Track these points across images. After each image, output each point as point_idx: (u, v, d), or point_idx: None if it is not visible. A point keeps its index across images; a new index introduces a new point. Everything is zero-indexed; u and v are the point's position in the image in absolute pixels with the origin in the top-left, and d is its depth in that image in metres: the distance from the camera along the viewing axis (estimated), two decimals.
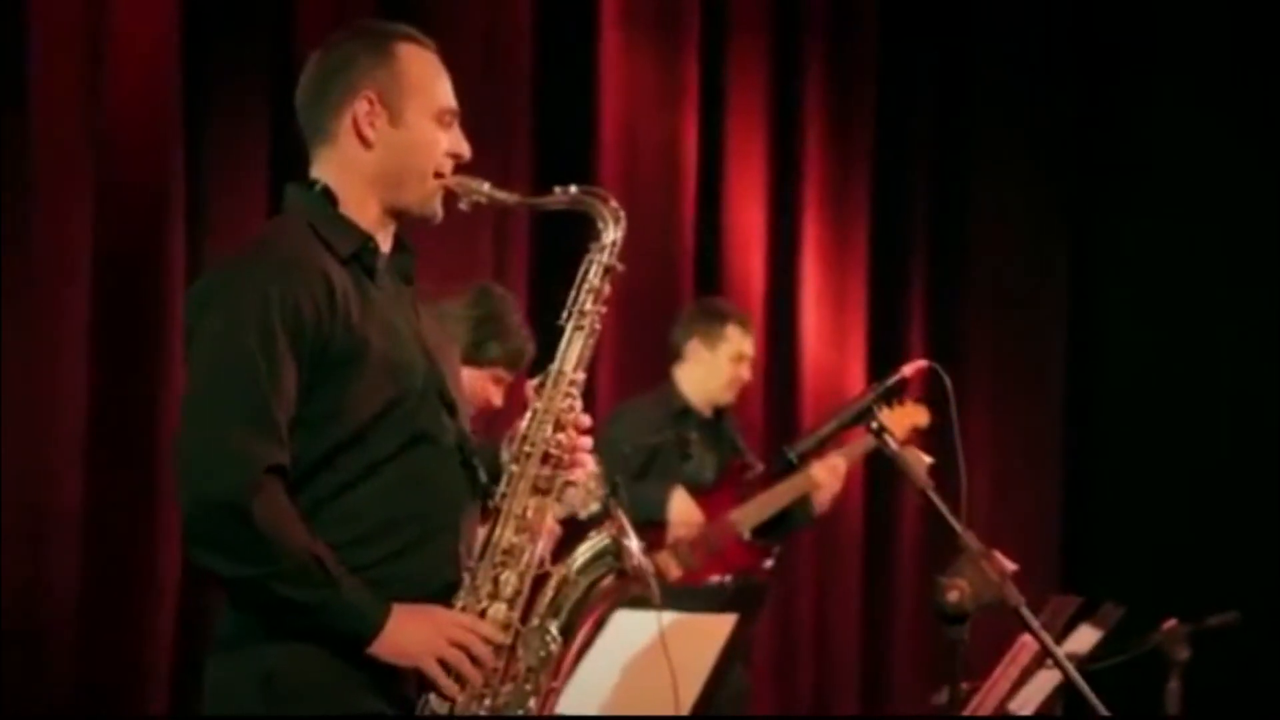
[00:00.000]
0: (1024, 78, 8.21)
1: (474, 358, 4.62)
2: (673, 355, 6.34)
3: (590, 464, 3.15)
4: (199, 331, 2.94)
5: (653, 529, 6.00)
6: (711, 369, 6.22)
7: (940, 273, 8.17)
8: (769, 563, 6.23)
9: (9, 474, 5.37)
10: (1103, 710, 3.07)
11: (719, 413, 6.30)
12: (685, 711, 4.57)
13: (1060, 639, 5.34)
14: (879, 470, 7.33)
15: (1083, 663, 5.27)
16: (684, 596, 5.65)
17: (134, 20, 5.67)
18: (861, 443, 6.12)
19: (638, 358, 7.06)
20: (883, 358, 7.86)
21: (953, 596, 3.03)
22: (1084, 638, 5.35)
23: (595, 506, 4.96)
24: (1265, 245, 7.90)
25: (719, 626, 4.78)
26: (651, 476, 6.11)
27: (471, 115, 6.44)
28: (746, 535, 6.14)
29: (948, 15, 8.17)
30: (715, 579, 6.01)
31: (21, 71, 5.44)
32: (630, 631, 4.81)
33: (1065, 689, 5.22)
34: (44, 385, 5.50)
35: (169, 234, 5.74)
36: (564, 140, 6.89)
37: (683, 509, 6.02)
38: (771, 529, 6.19)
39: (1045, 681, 5.28)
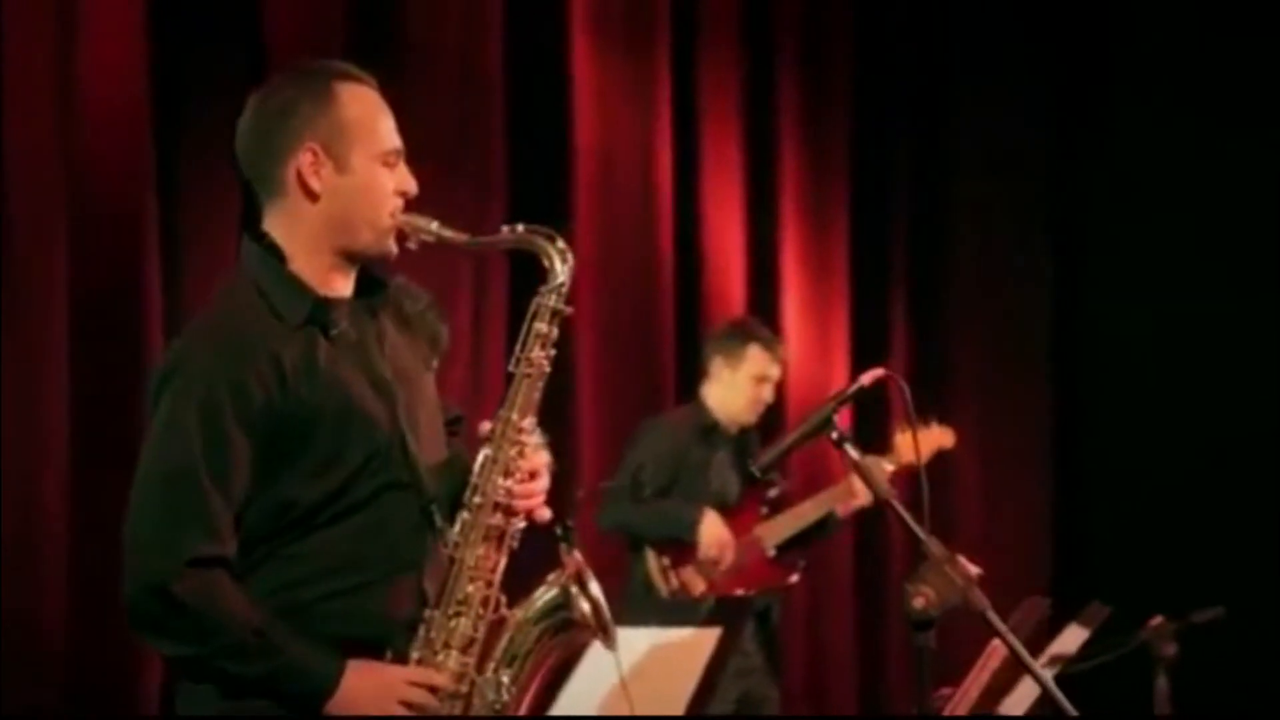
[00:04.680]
0: (1004, 78, 8.21)
1: None
2: (700, 373, 6.35)
3: (544, 512, 3.14)
4: (152, 418, 2.97)
5: (681, 549, 6.03)
6: (733, 389, 6.24)
7: (923, 279, 8.18)
8: (794, 578, 6.24)
9: None
10: (1071, 711, 3.06)
11: (744, 431, 6.29)
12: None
13: (1047, 640, 5.36)
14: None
15: (1070, 662, 5.28)
16: (670, 612, 5.68)
17: (104, 51, 5.70)
18: (889, 459, 6.12)
19: (617, 369, 7.08)
20: (867, 366, 7.83)
21: (918, 603, 3.01)
22: (1071, 637, 5.35)
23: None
24: (1253, 248, 7.90)
25: (704, 641, 4.79)
26: (676, 492, 6.12)
27: (446, 129, 6.55)
28: (772, 553, 6.15)
29: (924, 17, 8.17)
30: (739, 593, 6.03)
31: None
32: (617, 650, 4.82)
33: (1062, 689, 5.24)
34: (26, 416, 5.53)
35: (145, 263, 5.77)
36: (539, 154, 6.91)
37: (713, 532, 6.03)
38: (796, 542, 6.20)
39: (1030, 686, 5.29)
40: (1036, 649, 5.29)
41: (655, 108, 7.29)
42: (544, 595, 3.13)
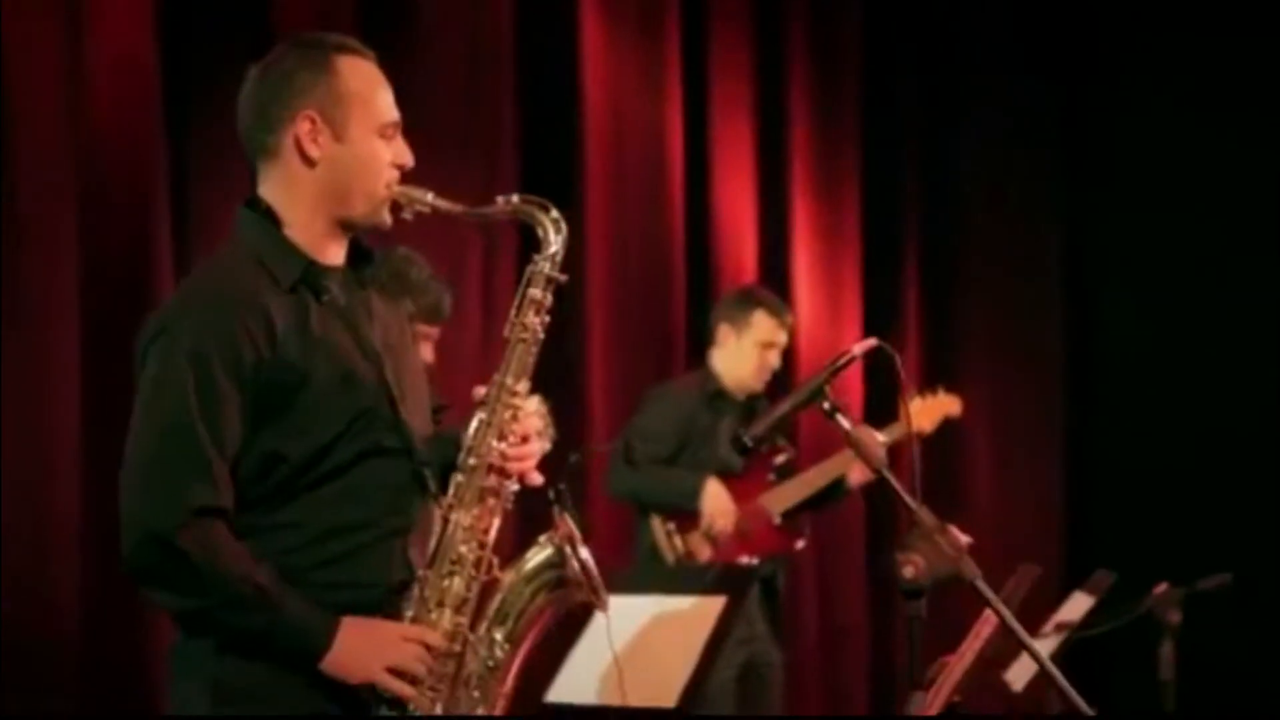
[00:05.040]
0: (1012, 52, 8.20)
1: None
2: (707, 339, 6.38)
3: (535, 476, 3.19)
4: (142, 374, 3.01)
5: (686, 515, 6.06)
6: (738, 355, 6.23)
7: (934, 251, 8.17)
8: (800, 544, 6.26)
9: (7, 478, 5.42)
10: (1061, 680, 3.09)
11: (752, 397, 6.31)
12: (678, 689, 4.63)
13: (1051, 607, 5.39)
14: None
15: (1076, 629, 5.31)
16: (676, 579, 5.72)
17: (113, 38, 5.69)
18: (898, 427, 6.16)
19: (630, 344, 7.09)
20: (878, 335, 7.84)
21: (908, 571, 3.04)
22: (1077, 604, 5.38)
23: (547, 445, 5.03)
24: (1260, 223, 7.89)
25: (709, 609, 4.82)
26: (683, 460, 6.15)
27: (456, 106, 6.56)
28: (778, 520, 6.18)
29: None
30: (744, 560, 6.06)
31: (3, 114, 5.47)
32: (621, 616, 4.86)
33: (1062, 658, 5.29)
34: (38, 404, 5.53)
35: (156, 252, 5.77)
36: (549, 132, 6.91)
37: (716, 500, 6.05)
38: (804, 508, 6.23)
39: (1040, 649, 5.32)
40: (1030, 617, 5.35)
41: (666, 81, 7.28)
42: (536, 555, 3.19)
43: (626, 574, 5.99)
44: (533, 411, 4.99)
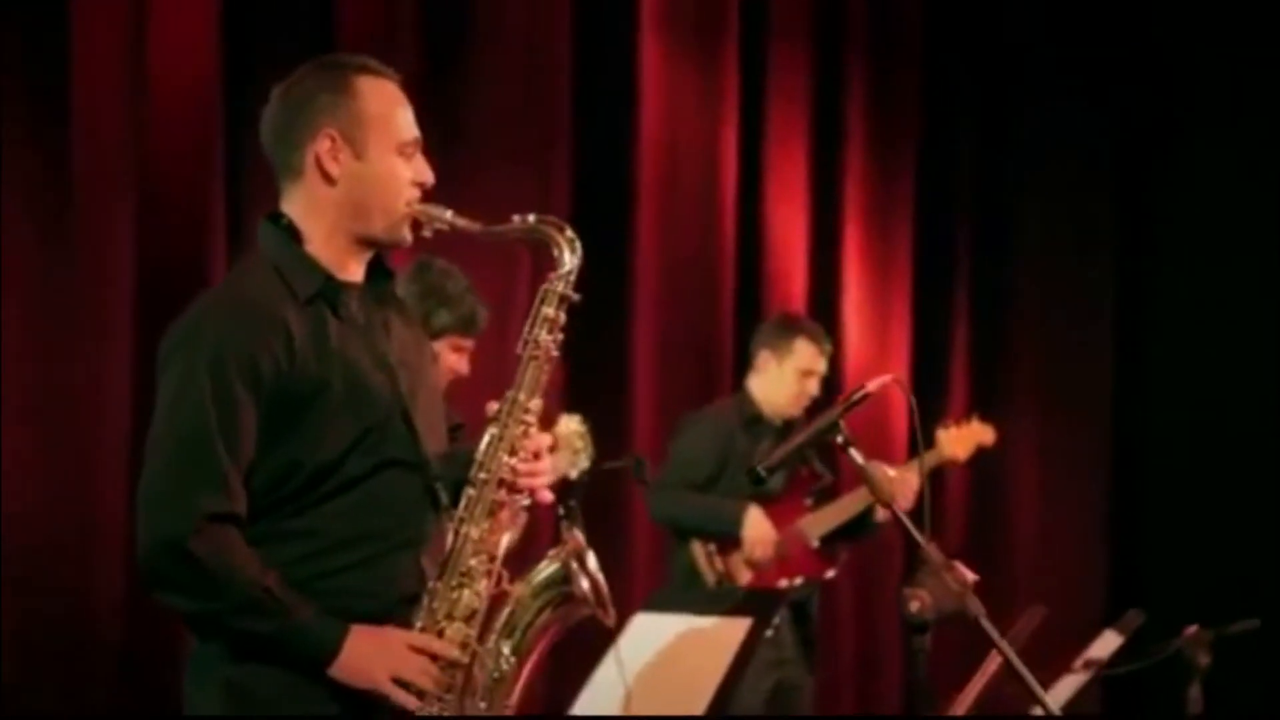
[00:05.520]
0: (1069, 79, 8.18)
1: (426, 331, 4.60)
2: (748, 364, 6.42)
3: (545, 493, 3.23)
4: (162, 380, 3.08)
5: (728, 541, 6.10)
6: (778, 382, 6.26)
7: (985, 284, 8.16)
8: (831, 573, 6.29)
9: (55, 480, 5.49)
10: (1056, 714, 3.11)
11: (789, 423, 6.34)
12: (702, 707, 4.66)
13: (1075, 647, 5.40)
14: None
15: (1104, 667, 5.32)
16: (701, 600, 5.74)
17: (175, 30, 5.76)
18: (931, 455, 6.20)
19: (678, 364, 7.11)
20: (927, 365, 7.88)
21: (914, 606, 3.07)
22: (1106, 643, 5.38)
23: (585, 463, 5.06)
24: None
25: (734, 630, 4.85)
26: (720, 485, 6.18)
27: (512, 120, 6.60)
28: (815, 544, 6.20)
29: (991, 19, 8.15)
30: (783, 583, 6.08)
31: (64, 81, 5.55)
32: (647, 634, 4.90)
33: (1089, 693, 5.29)
34: (90, 391, 5.61)
35: (210, 242, 5.84)
36: (604, 147, 6.96)
37: (758, 527, 6.08)
38: (839, 536, 6.25)
39: (1067, 686, 5.33)
40: (1065, 653, 5.35)
41: (722, 102, 7.32)
42: (544, 570, 3.24)
43: (662, 595, 6.04)
44: (567, 432, 5.05)
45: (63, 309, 5.56)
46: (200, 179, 5.84)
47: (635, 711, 4.64)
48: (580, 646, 3.87)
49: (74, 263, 5.58)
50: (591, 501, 5.95)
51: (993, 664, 3.54)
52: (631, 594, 6.48)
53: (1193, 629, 5.24)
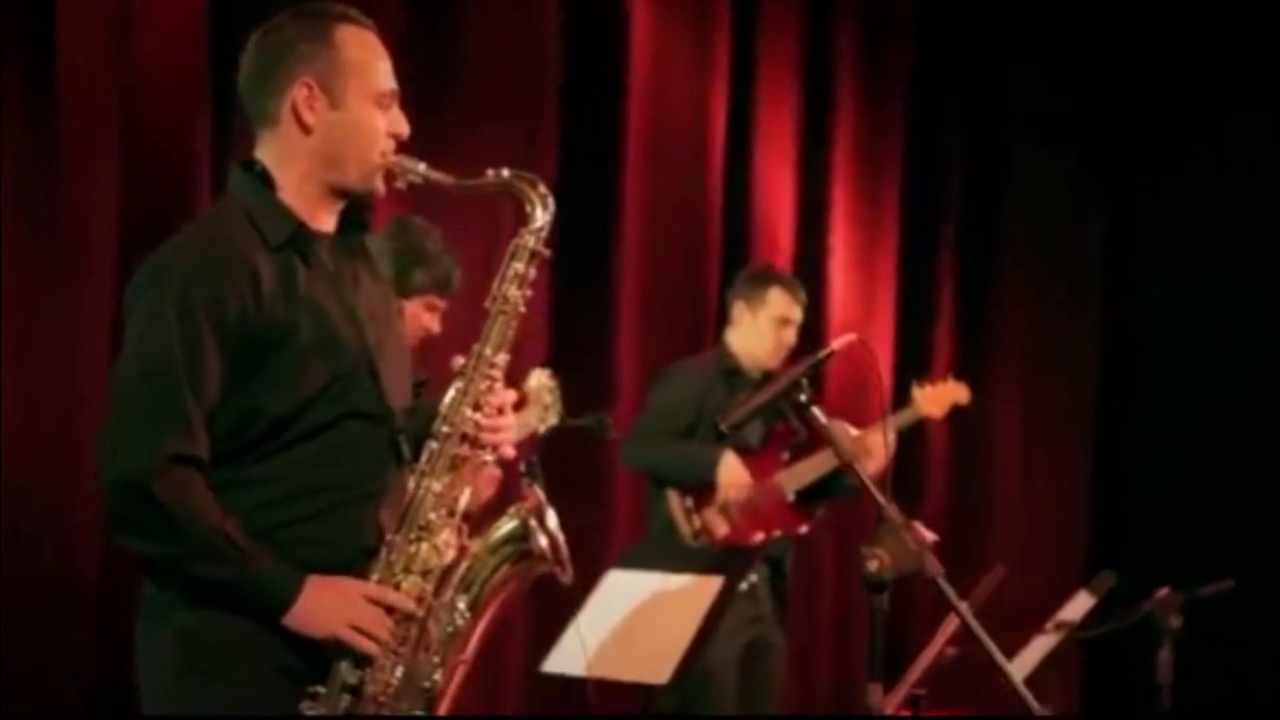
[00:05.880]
0: (1062, 36, 8.17)
1: (401, 289, 4.55)
2: (724, 317, 6.43)
3: (508, 448, 3.24)
4: (130, 319, 3.08)
5: (703, 488, 6.12)
6: (754, 332, 6.27)
7: (972, 243, 8.16)
8: (804, 528, 6.32)
9: (40, 446, 5.50)
10: (1017, 680, 3.14)
11: (768, 375, 6.34)
12: (672, 665, 4.70)
13: (1054, 608, 5.43)
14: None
15: (1076, 629, 5.35)
16: (687, 557, 5.79)
17: None
18: (908, 413, 6.22)
19: (665, 323, 7.12)
20: (913, 326, 7.90)
21: (872, 566, 3.10)
22: (1079, 604, 5.42)
23: (554, 419, 5.08)
24: None
25: (706, 589, 4.89)
26: (699, 436, 6.20)
27: (501, 83, 6.60)
28: (791, 498, 6.23)
29: None
30: (759, 536, 6.11)
31: (50, 39, 5.52)
32: (620, 591, 4.95)
33: (1057, 655, 5.33)
34: (71, 351, 5.59)
35: (196, 200, 5.80)
36: (593, 101, 6.93)
37: (732, 472, 6.10)
38: (815, 494, 6.27)
39: (1039, 647, 5.37)
40: (1040, 615, 5.39)
41: (713, 57, 7.30)
42: (503, 527, 3.25)
43: (637, 550, 6.07)
44: (537, 386, 5.05)
45: (47, 271, 5.54)
46: (185, 124, 5.80)
47: (606, 668, 4.69)
48: (547, 602, 3.87)
49: (58, 208, 5.56)
50: (573, 456, 6.04)
51: (951, 625, 3.57)
52: (611, 548, 6.52)
53: (1164, 591, 5.28)
